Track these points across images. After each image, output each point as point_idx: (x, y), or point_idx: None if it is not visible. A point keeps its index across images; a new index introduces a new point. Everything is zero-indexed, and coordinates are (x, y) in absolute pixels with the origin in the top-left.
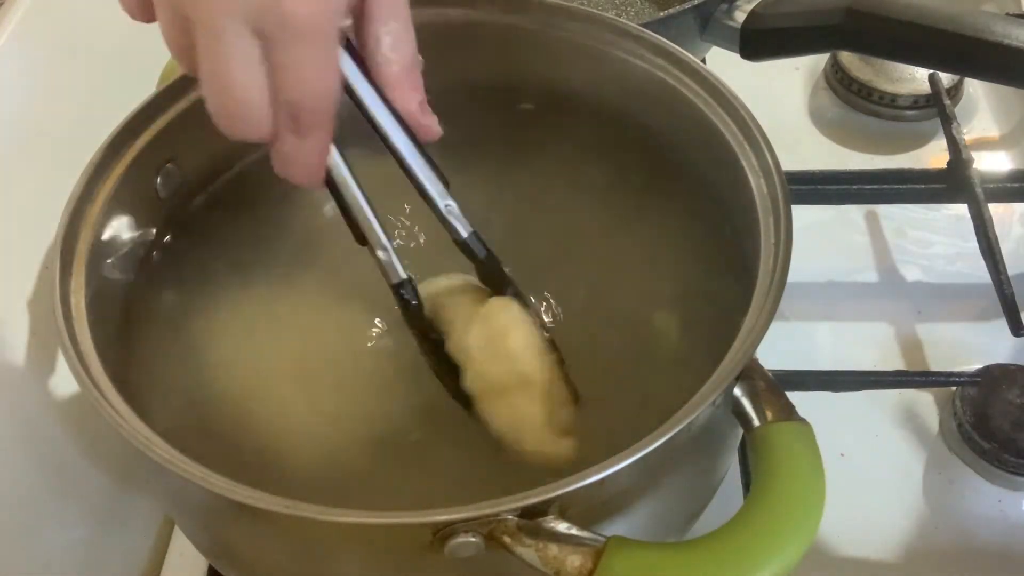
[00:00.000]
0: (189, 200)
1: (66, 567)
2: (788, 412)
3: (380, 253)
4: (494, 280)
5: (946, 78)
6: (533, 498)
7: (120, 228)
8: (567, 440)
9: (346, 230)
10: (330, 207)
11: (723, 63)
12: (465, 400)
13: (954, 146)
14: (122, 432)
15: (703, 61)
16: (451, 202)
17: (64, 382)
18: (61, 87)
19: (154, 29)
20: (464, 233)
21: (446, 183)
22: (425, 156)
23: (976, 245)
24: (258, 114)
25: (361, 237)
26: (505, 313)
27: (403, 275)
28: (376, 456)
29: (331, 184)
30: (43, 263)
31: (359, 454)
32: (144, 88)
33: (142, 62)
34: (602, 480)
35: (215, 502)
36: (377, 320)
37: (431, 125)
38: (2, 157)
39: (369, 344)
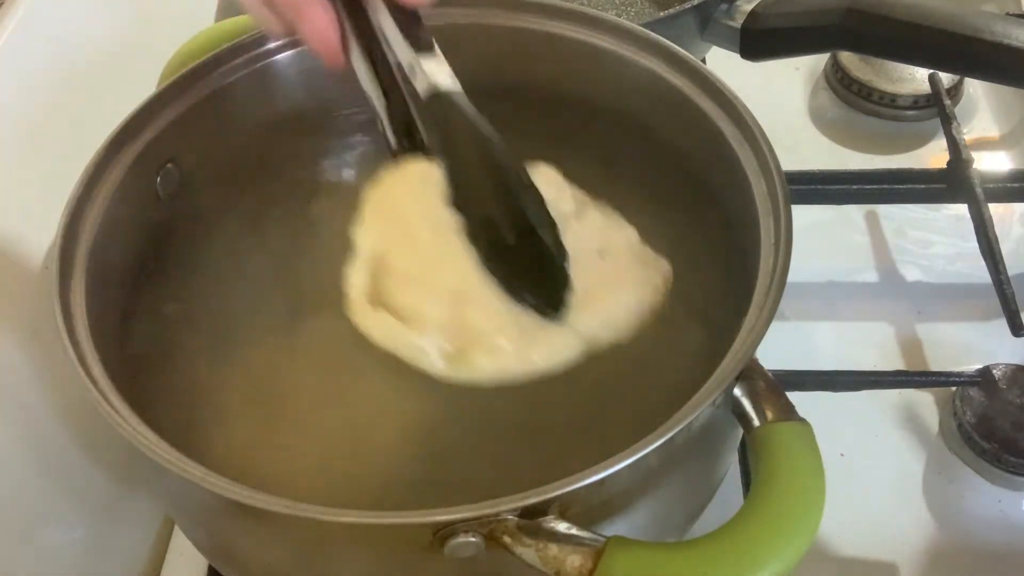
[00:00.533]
0: (189, 201)
1: (66, 567)
2: (788, 412)
3: (379, 125)
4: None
5: (946, 78)
6: (533, 498)
7: (120, 228)
8: (377, 314)
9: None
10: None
11: (723, 63)
12: None
13: (954, 146)
14: (122, 432)
15: (703, 61)
16: (414, 61)
17: (64, 382)
18: (61, 87)
19: (153, 29)
20: (423, 93)
21: (420, 43)
22: (399, 20)
23: (976, 245)
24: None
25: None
26: (390, 173)
27: (394, 146)
28: (380, 463)
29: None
30: (43, 263)
31: (361, 457)
32: (144, 88)
33: (142, 62)
34: (602, 480)
35: (215, 502)
36: None
37: None
38: (2, 157)
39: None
